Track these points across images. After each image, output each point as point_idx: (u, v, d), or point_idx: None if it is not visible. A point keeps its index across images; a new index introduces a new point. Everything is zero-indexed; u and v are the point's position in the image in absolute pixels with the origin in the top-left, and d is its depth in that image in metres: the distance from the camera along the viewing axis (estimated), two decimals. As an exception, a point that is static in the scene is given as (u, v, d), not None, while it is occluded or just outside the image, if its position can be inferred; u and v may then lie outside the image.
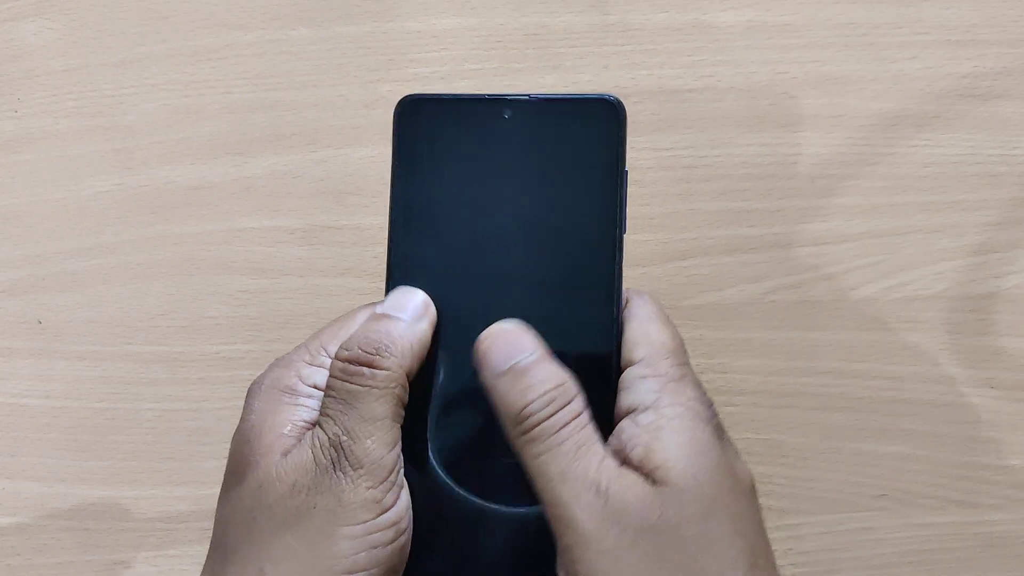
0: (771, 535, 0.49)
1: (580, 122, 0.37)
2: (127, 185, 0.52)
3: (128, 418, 0.51)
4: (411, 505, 0.36)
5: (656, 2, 0.51)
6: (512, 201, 0.38)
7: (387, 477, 0.34)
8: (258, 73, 0.52)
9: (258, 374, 0.37)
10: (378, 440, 0.34)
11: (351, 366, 0.35)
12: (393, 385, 0.35)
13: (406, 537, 0.35)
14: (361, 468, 0.34)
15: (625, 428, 0.35)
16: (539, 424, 0.34)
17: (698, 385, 0.36)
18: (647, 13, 0.51)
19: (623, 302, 0.38)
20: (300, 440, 0.35)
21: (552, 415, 0.34)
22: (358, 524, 0.33)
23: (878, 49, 0.51)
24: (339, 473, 0.34)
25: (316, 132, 0.51)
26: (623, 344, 0.37)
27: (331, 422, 0.35)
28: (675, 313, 0.50)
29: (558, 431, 0.34)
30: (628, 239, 0.50)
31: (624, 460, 0.34)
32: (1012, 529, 0.49)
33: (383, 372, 0.35)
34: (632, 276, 0.50)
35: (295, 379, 0.37)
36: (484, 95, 0.38)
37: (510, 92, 0.38)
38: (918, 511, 0.50)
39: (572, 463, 0.34)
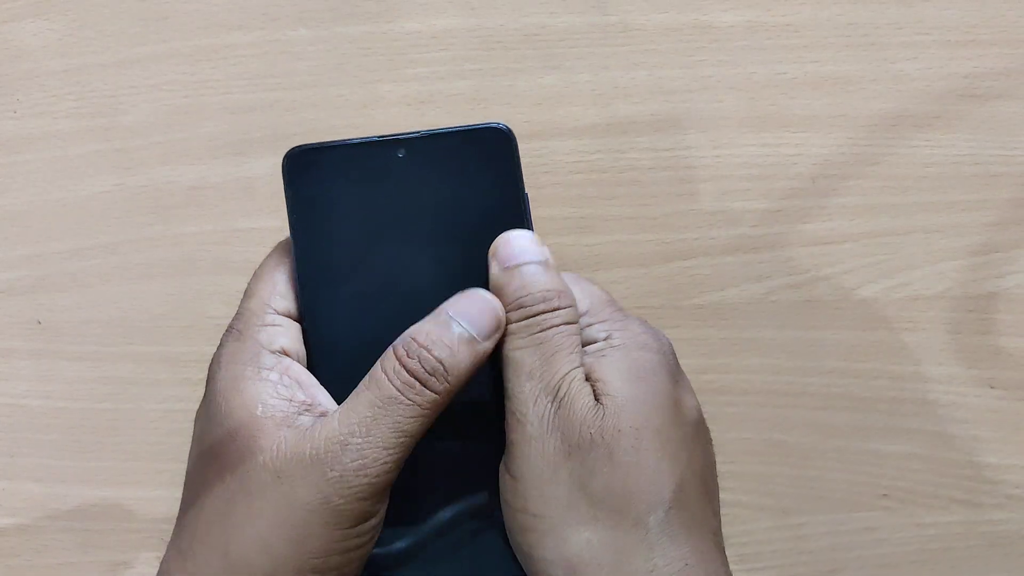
0: (774, 534, 0.50)
1: (474, 153, 0.37)
2: (127, 185, 0.51)
3: (129, 419, 0.51)
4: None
5: (656, 2, 0.51)
6: (417, 239, 0.37)
7: (383, 492, 0.34)
8: (258, 73, 0.52)
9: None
10: (393, 454, 0.33)
11: (405, 373, 0.34)
12: (435, 409, 0.34)
13: (371, 548, 0.35)
14: (364, 476, 0.33)
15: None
16: (528, 318, 0.35)
17: (643, 322, 0.37)
18: (647, 13, 0.51)
19: None
20: (287, 425, 0.34)
21: (542, 313, 0.35)
22: (340, 529, 0.33)
23: (878, 49, 0.51)
24: (337, 472, 0.32)
25: (316, 132, 0.51)
26: None
27: (352, 419, 0.33)
28: (677, 313, 0.50)
29: (542, 330, 0.35)
30: (629, 240, 0.50)
31: None
32: (1015, 528, 0.49)
33: (431, 395, 0.34)
34: (634, 276, 0.50)
35: (256, 349, 0.35)
36: (374, 138, 0.37)
37: (398, 132, 0.37)
38: (921, 510, 0.50)
39: (544, 363, 0.35)
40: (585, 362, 0.35)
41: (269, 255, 0.38)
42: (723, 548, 0.36)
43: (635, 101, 0.51)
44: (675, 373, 0.36)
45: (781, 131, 0.51)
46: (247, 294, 0.37)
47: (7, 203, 0.52)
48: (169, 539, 0.35)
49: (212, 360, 0.36)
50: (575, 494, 0.33)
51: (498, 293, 0.36)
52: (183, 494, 0.36)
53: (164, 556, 0.35)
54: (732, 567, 0.47)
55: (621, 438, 0.34)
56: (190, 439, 0.37)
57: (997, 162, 0.50)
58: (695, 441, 0.36)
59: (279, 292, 0.37)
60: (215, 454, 0.34)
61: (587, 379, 0.35)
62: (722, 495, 0.50)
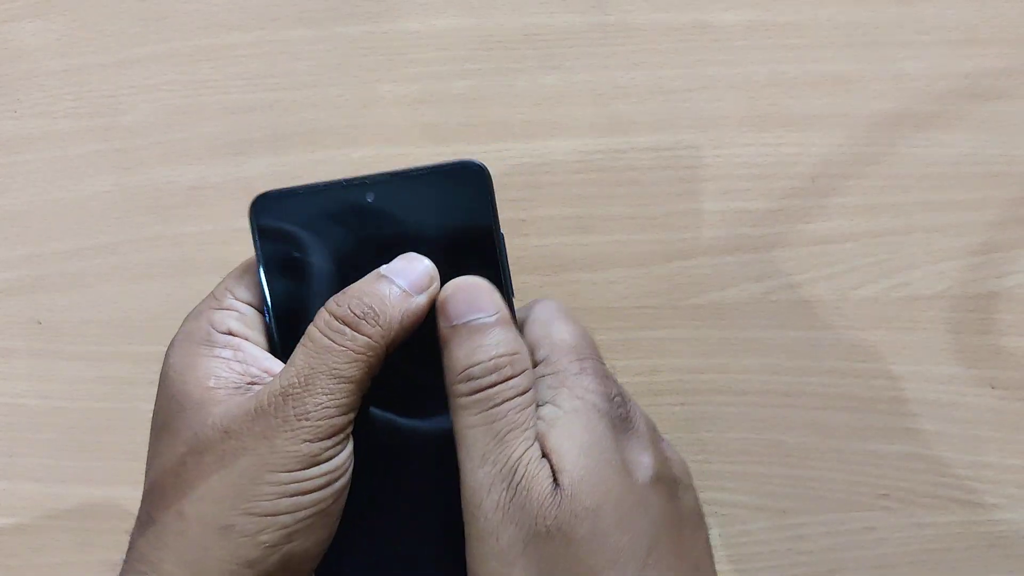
0: (772, 535, 0.50)
1: (447, 191, 0.37)
2: (126, 185, 0.51)
3: (127, 418, 0.51)
4: (351, 466, 0.35)
5: (656, 2, 0.51)
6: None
7: (331, 436, 0.33)
8: (257, 73, 0.52)
9: None
10: (334, 400, 0.33)
11: (335, 322, 0.34)
12: (370, 354, 0.34)
13: (343, 482, 0.34)
14: (306, 419, 0.33)
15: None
16: (480, 391, 0.34)
17: (600, 377, 0.36)
18: (647, 13, 0.51)
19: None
20: (240, 394, 0.34)
21: (495, 384, 0.34)
22: (285, 471, 0.33)
23: (879, 49, 0.51)
24: (279, 420, 0.33)
25: (315, 132, 0.51)
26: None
27: (291, 372, 0.34)
28: (676, 313, 0.50)
29: (495, 406, 0.34)
30: (629, 239, 0.50)
31: None
32: (1015, 528, 0.49)
33: (363, 338, 0.34)
34: (633, 276, 0.50)
35: (207, 328, 0.36)
36: (342, 181, 0.37)
37: (368, 174, 0.37)
38: (920, 510, 0.50)
39: (498, 446, 0.34)
40: (539, 428, 0.34)
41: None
42: (712, 572, 0.35)
43: (635, 101, 0.51)
44: (623, 431, 0.35)
45: (781, 131, 0.51)
46: (221, 280, 0.38)
47: (7, 203, 0.52)
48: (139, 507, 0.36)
49: (170, 343, 0.37)
50: None
51: (444, 350, 0.35)
52: (146, 467, 0.36)
53: (133, 528, 0.35)
54: (730, 567, 0.47)
55: (578, 523, 0.32)
56: (153, 410, 0.37)
57: (998, 161, 0.50)
58: (654, 502, 0.34)
59: (245, 284, 0.37)
60: (169, 428, 0.35)
61: (541, 451, 0.34)
62: (720, 495, 0.50)
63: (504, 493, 0.33)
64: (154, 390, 0.50)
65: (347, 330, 0.34)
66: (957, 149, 0.50)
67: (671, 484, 0.36)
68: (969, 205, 0.50)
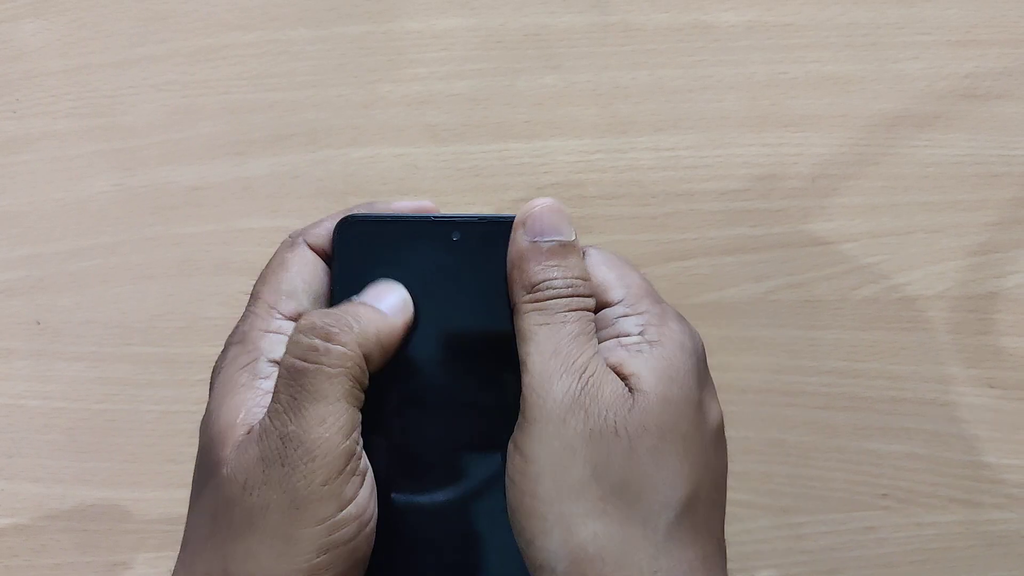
0: (773, 534, 0.50)
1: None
2: (126, 185, 0.51)
3: (127, 419, 0.51)
4: (375, 489, 0.34)
5: (657, 2, 0.51)
6: (458, 322, 0.36)
7: (344, 467, 0.32)
8: (257, 73, 0.52)
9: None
10: (331, 426, 0.32)
11: (305, 339, 0.32)
12: (348, 364, 0.32)
13: (370, 528, 0.33)
14: (313, 460, 0.31)
15: (609, 346, 0.35)
16: (554, 298, 0.34)
17: (681, 319, 0.36)
18: (648, 13, 0.51)
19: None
20: (250, 431, 0.33)
21: (570, 296, 0.34)
22: (317, 525, 0.31)
23: (879, 49, 0.51)
24: (288, 468, 0.31)
25: (316, 132, 0.51)
26: (595, 289, 0.36)
27: (279, 409, 0.32)
28: (677, 313, 0.50)
29: (569, 311, 0.34)
30: (630, 240, 0.50)
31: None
32: (1015, 528, 0.49)
33: (338, 348, 0.32)
34: (633, 276, 0.50)
35: (255, 356, 0.34)
36: (430, 216, 0.37)
37: (456, 213, 0.37)
38: (921, 510, 0.50)
39: (570, 343, 0.34)
40: (620, 355, 0.34)
41: (274, 255, 0.37)
42: (726, 554, 0.35)
43: (635, 101, 0.51)
44: (704, 377, 0.36)
45: (782, 131, 0.51)
46: (252, 296, 0.36)
47: (7, 203, 0.52)
48: (179, 550, 0.35)
49: (214, 366, 0.35)
50: (588, 483, 0.32)
51: (522, 262, 0.35)
52: (188, 511, 0.35)
53: (174, 569, 0.35)
54: (731, 566, 0.47)
55: (645, 435, 0.32)
56: (188, 440, 0.36)
57: (998, 162, 0.50)
58: (715, 448, 0.35)
59: (285, 293, 0.36)
60: (202, 462, 0.34)
61: (619, 372, 0.34)
62: (722, 495, 0.50)
63: (576, 383, 0.33)
64: (154, 391, 0.51)
65: (319, 343, 0.32)
66: (957, 150, 0.51)
67: (724, 439, 0.36)
68: (969, 205, 0.50)
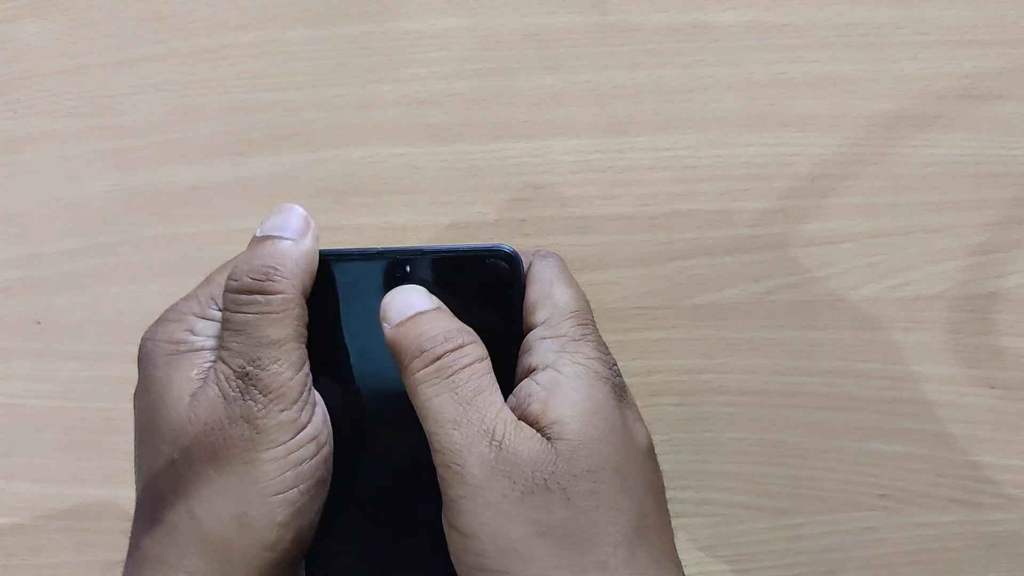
0: (772, 535, 0.50)
1: (477, 274, 0.37)
2: (126, 185, 0.51)
3: (126, 419, 0.50)
4: (327, 417, 0.36)
5: (656, 2, 0.51)
6: None
7: (299, 397, 0.34)
8: (257, 73, 0.52)
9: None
10: (284, 363, 0.34)
11: (242, 296, 0.35)
12: (291, 307, 0.35)
13: (328, 448, 0.35)
14: (271, 393, 0.34)
15: (524, 386, 0.35)
16: (436, 361, 0.34)
17: (600, 344, 0.36)
18: (647, 13, 0.51)
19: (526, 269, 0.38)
20: (204, 381, 0.35)
21: (449, 352, 0.34)
22: (278, 445, 0.33)
23: (878, 49, 0.51)
24: (250, 401, 0.33)
25: (315, 132, 0.51)
26: (524, 308, 0.37)
27: (232, 354, 0.34)
28: (676, 313, 0.50)
29: (455, 373, 0.34)
30: (628, 240, 0.50)
31: (521, 415, 0.34)
32: (1014, 528, 0.49)
33: (277, 296, 0.35)
34: (633, 276, 0.50)
35: (186, 333, 0.36)
36: (380, 249, 0.38)
37: (407, 246, 0.38)
38: (920, 510, 0.50)
39: (467, 409, 0.33)
40: (538, 403, 0.34)
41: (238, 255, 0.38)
42: (682, 570, 0.35)
43: (634, 101, 0.51)
44: (623, 400, 0.36)
45: (780, 131, 0.51)
46: (204, 280, 0.38)
47: (6, 203, 0.52)
48: (134, 518, 0.36)
49: (144, 336, 0.37)
50: (533, 542, 0.32)
51: (397, 351, 0.35)
52: (135, 473, 0.37)
53: (132, 530, 0.36)
54: (729, 567, 0.47)
55: (577, 482, 0.32)
56: (133, 409, 0.37)
57: (997, 162, 0.50)
58: (650, 470, 0.35)
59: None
60: (153, 427, 0.35)
61: (537, 418, 0.33)
62: (719, 495, 0.50)
63: (488, 448, 0.33)
64: (153, 390, 0.50)
65: (258, 297, 0.34)
66: (956, 149, 0.50)
67: (655, 457, 0.36)
68: (968, 205, 0.50)
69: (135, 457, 0.36)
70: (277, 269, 0.35)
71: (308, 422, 0.34)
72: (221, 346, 0.35)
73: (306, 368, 0.35)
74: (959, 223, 0.50)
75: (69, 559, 0.50)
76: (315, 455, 0.35)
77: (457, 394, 0.33)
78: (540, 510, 0.32)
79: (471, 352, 0.34)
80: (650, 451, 0.36)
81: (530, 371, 0.35)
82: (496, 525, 0.32)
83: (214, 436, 0.34)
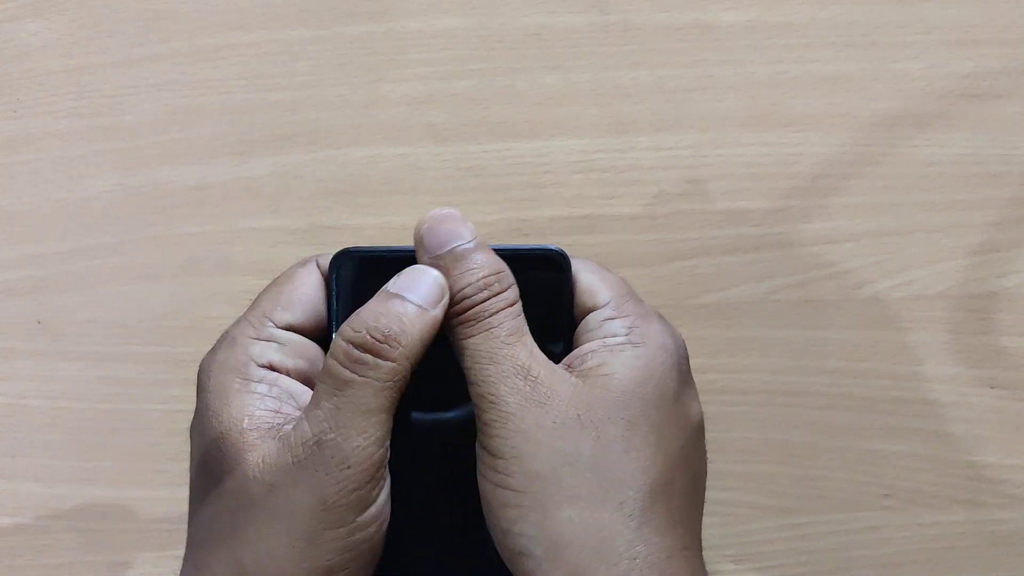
0: (776, 534, 0.50)
1: (527, 274, 0.37)
2: (127, 185, 0.51)
3: (130, 419, 0.51)
4: (390, 494, 0.35)
5: (657, 2, 0.51)
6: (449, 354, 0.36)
7: (374, 475, 0.33)
8: (258, 73, 0.52)
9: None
10: (370, 437, 0.33)
11: (355, 351, 0.33)
12: (398, 379, 0.33)
13: (385, 527, 0.34)
14: (348, 468, 0.32)
15: (593, 347, 0.35)
16: (474, 307, 0.34)
17: (663, 320, 0.37)
18: (648, 13, 0.51)
19: None
20: (272, 436, 0.33)
21: (488, 299, 0.34)
22: (342, 526, 0.32)
23: (879, 49, 0.51)
24: (322, 473, 0.32)
25: (317, 132, 0.51)
26: (579, 293, 0.37)
27: (319, 416, 0.33)
28: (679, 312, 0.50)
29: (492, 315, 0.34)
30: (631, 240, 0.50)
31: (571, 369, 0.35)
32: (1017, 528, 0.50)
33: (389, 364, 0.33)
34: (635, 276, 0.50)
35: (245, 360, 0.35)
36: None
37: None
38: (923, 510, 0.50)
39: (503, 347, 0.34)
40: (602, 356, 0.35)
41: (290, 268, 0.38)
42: (702, 553, 0.35)
43: (636, 101, 0.51)
44: (685, 377, 0.36)
45: (782, 130, 0.51)
46: (252, 304, 0.37)
47: (7, 203, 0.51)
48: (184, 553, 0.35)
49: (201, 366, 0.36)
50: (559, 470, 0.33)
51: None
52: (190, 505, 0.36)
53: (181, 570, 0.35)
54: (734, 566, 0.47)
55: (612, 426, 0.33)
56: (190, 439, 0.36)
57: (998, 161, 0.50)
58: (694, 445, 0.36)
59: (282, 304, 0.36)
60: (209, 468, 0.34)
61: (589, 370, 0.34)
62: (724, 495, 0.50)
63: (523, 382, 0.33)
64: (156, 390, 0.50)
65: (369, 358, 0.33)
66: (957, 149, 0.51)
67: (704, 440, 0.37)
68: (969, 205, 0.50)
69: (191, 491, 0.35)
70: (398, 337, 0.33)
71: (375, 500, 0.33)
72: (313, 398, 0.34)
73: (387, 443, 0.33)
74: (960, 222, 0.50)
75: (74, 559, 0.50)
76: (375, 536, 0.34)
77: (493, 334, 0.34)
78: (569, 442, 0.33)
79: (507, 297, 0.35)
80: (699, 429, 0.36)
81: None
82: (524, 451, 0.33)
83: (277, 500, 0.32)
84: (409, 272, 0.35)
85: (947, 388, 0.50)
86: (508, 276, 0.35)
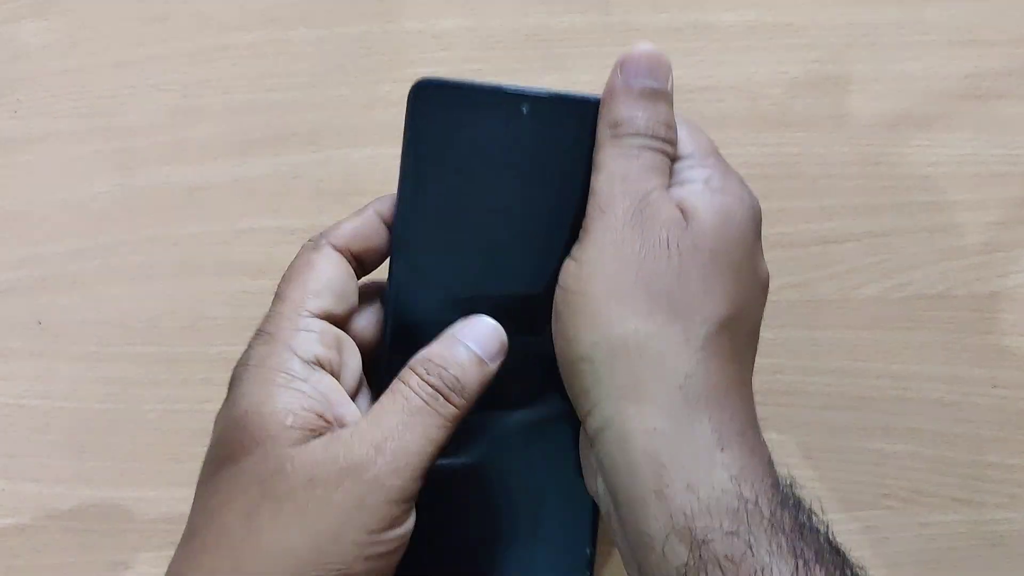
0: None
1: (589, 121, 0.37)
2: (127, 186, 0.51)
3: (129, 419, 0.50)
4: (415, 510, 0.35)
5: (657, 2, 0.51)
6: (521, 196, 0.38)
7: (410, 499, 0.34)
8: (258, 73, 0.52)
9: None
10: (423, 461, 0.34)
11: (428, 388, 0.35)
12: (454, 423, 0.35)
13: (398, 558, 0.35)
14: (399, 480, 0.33)
15: (672, 187, 0.37)
16: (634, 135, 0.36)
17: (743, 180, 0.38)
18: (648, 13, 0.51)
19: None
20: (315, 433, 0.34)
21: (649, 136, 0.36)
22: (369, 533, 0.33)
23: (880, 49, 0.51)
24: (370, 475, 0.33)
25: (316, 132, 0.51)
26: None
27: (386, 423, 0.34)
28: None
29: (643, 145, 0.36)
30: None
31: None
32: (1017, 528, 0.49)
33: (451, 409, 0.35)
34: (635, 276, 0.50)
35: (288, 355, 0.35)
36: (502, 87, 0.38)
37: (528, 86, 0.38)
38: (923, 510, 0.50)
39: (639, 172, 0.36)
40: (682, 193, 0.36)
41: (297, 257, 0.38)
42: (752, 396, 0.37)
43: (636, 101, 0.51)
44: (759, 236, 0.37)
45: (783, 131, 0.51)
46: (277, 296, 0.37)
47: (7, 203, 0.52)
48: (178, 543, 0.35)
49: (238, 363, 0.36)
50: (636, 286, 0.34)
51: (611, 100, 0.37)
52: (196, 496, 0.35)
53: (174, 557, 0.35)
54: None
55: (696, 255, 0.35)
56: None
57: (999, 161, 0.50)
58: (759, 298, 0.37)
59: (312, 292, 0.36)
60: (237, 461, 0.34)
61: (680, 206, 0.36)
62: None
63: (636, 204, 0.35)
64: (156, 391, 0.50)
65: (439, 397, 0.35)
66: (958, 149, 0.51)
67: (766, 296, 0.38)
68: (970, 205, 0.50)
69: (202, 478, 0.35)
70: (463, 387, 0.35)
71: (405, 517, 0.34)
72: (375, 410, 0.35)
73: (424, 479, 0.34)
74: (961, 222, 0.50)
75: (72, 559, 0.50)
76: (396, 550, 0.34)
77: (636, 161, 0.36)
78: (654, 265, 0.34)
79: (665, 148, 0.36)
80: (765, 287, 0.38)
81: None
82: (613, 260, 0.35)
83: (313, 495, 0.33)
84: (477, 322, 0.37)
85: (948, 388, 0.50)
86: (675, 134, 0.37)
